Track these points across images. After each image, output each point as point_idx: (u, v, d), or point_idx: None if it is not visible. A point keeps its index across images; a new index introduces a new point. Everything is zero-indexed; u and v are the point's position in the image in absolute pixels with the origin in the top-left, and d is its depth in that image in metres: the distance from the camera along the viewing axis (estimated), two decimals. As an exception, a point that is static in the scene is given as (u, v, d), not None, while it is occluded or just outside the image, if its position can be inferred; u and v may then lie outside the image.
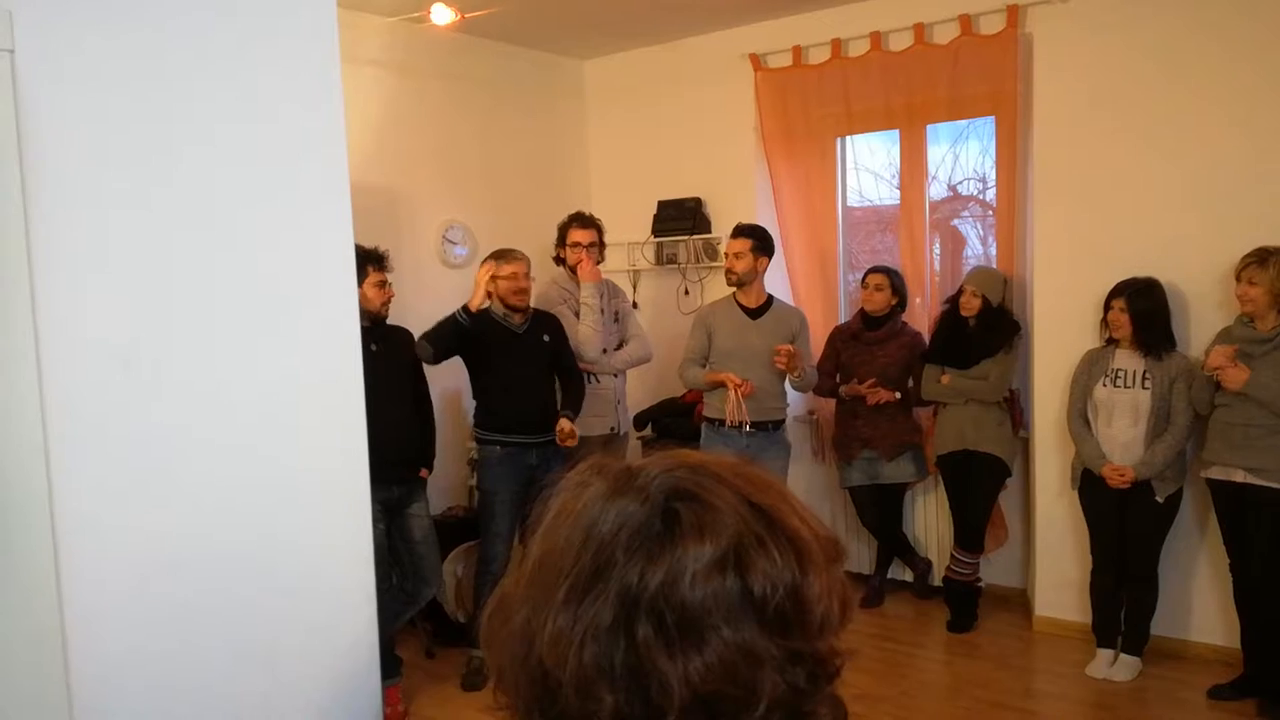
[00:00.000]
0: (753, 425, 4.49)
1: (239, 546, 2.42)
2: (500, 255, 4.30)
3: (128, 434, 2.20)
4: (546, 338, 4.37)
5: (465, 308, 4.10)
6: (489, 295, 4.23)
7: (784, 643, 0.72)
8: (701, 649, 0.70)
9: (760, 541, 0.73)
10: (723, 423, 4.53)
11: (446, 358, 4.22)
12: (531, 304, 4.63)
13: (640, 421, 5.38)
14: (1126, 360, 4.03)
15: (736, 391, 4.34)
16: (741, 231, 4.57)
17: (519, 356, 4.26)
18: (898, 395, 4.77)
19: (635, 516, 0.74)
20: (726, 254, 4.60)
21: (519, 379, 4.22)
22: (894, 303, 4.83)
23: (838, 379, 4.91)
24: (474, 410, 4.37)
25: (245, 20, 2.41)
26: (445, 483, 4.69)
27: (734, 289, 4.62)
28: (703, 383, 4.57)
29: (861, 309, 4.92)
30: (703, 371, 4.57)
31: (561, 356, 4.44)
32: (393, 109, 4.93)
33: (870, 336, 4.84)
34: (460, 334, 4.12)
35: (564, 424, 4.26)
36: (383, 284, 3.97)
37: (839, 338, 4.97)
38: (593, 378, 4.69)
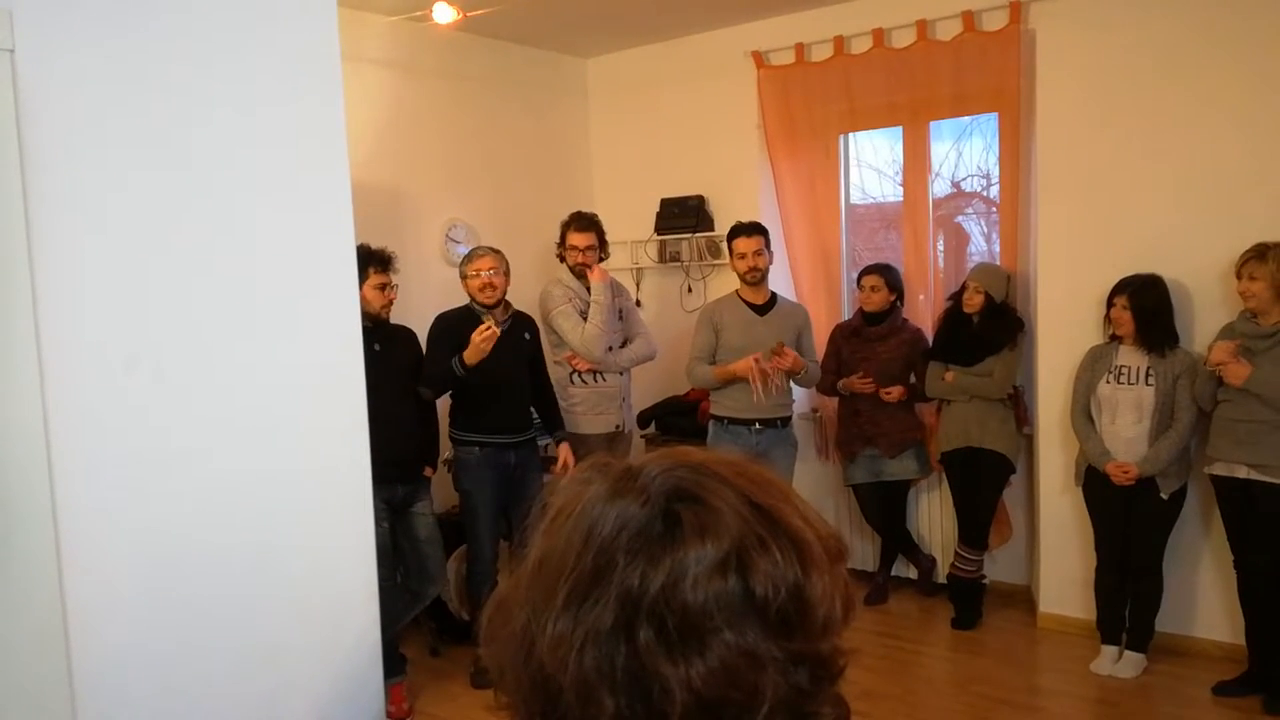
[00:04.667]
0: (761, 422, 4.49)
1: (241, 545, 2.42)
2: (468, 257, 4.32)
3: (129, 433, 2.20)
4: (527, 336, 4.38)
5: (462, 361, 4.02)
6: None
7: (787, 644, 0.71)
8: (703, 653, 0.69)
9: (762, 542, 0.72)
10: (731, 420, 4.53)
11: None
12: (533, 301, 4.65)
13: (644, 419, 5.38)
14: (1130, 357, 4.02)
15: (756, 370, 4.31)
16: (754, 229, 4.54)
17: (502, 355, 4.22)
18: (904, 393, 4.77)
19: (636, 518, 0.73)
20: (745, 253, 4.50)
21: (502, 378, 4.20)
22: (892, 299, 4.82)
23: (839, 376, 4.90)
24: (450, 410, 4.32)
25: (245, 19, 2.41)
26: (449, 482, 4.69)
27: (746, 286, 4.58)
28: (714, 380, 4.55)
29: (861, 307, 4.92)
30: (712, 369, 4.55)
31: (538, 359, 4.45)
32: (395, 108, 4.93)
33: (871, 333, 4.84)
34: (458, 380, 4.11)
35: (564, 452, 4.38)
36: (384, 286, 3.94)
37: (840, 335, 4.97)
38: (598, 376, 4.69)
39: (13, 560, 2.00)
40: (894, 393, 4.73)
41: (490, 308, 4.24)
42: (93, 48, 2.12)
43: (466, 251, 5.10)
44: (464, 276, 4.29)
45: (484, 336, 3.96)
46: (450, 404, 4.33)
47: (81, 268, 2.11)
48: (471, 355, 3.99)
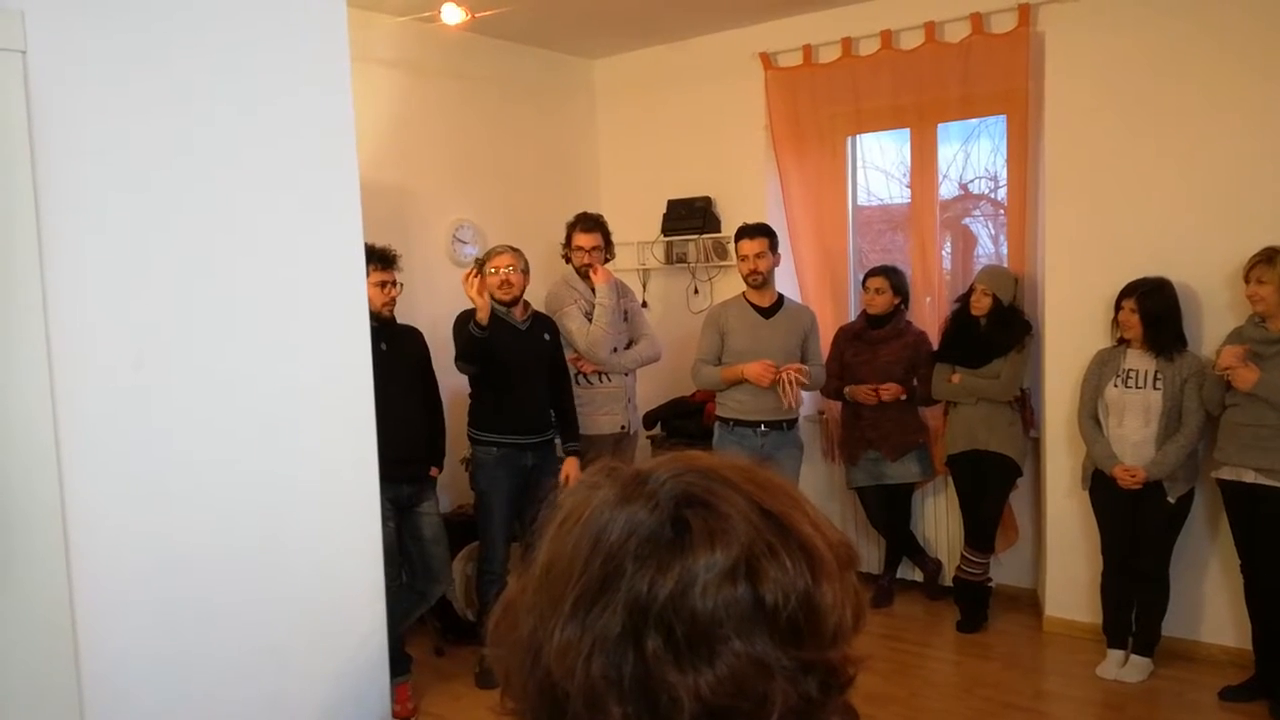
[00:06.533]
0: (767, 425, 4.48)
1: (248, 545, 2.42)
2: (486, 255, 4.30)
3: (138, 434, 2.20)
4: (547, 336, 4.38)
5: (476, 322, 4.01)
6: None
7: (796, 653, 0.71)
8: (712, 661, 0.68)
9: (772, 549, 0.72)
10: (737, 421, 4.52)
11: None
12: (541, 302, 4.64)
13: (650, 421, 5.37)
14: (1137, 360, 4.01)
15: (785, 378, 4.30)
16: (759, 231, 4.52)
17: (522, 353, 4.24)
18: (901, 391, 4.75)
19: (645, 524, 0.72)
20: (746, 256, 4.48)
21: (522, 376, 4.21)
22: (896, 302, 4.81)
23: (842, 379, 4.89)
24: (469, 409, 4.32)
25: (255, 19, 2.42)
26: (455, 481, 4.69)
27: (751, 289, 4.56)
28: (720, 382, 4.52)
29: (865, 309, 4.91)
30: (718, 370, 4.53)
31: (557, 360, 4.43)
32: (403, 108, 4.93)
33: (873, 335, 4.83)
34: (484, 345, 4.07)
35: (570, 466, 4.32)
36: (384, 284, 3.94)
37: (842, 338, 4.95)
38: (603, 376, 4.69)
39: (21, 562, 2.01)
40: (891, 389, 4.71)
41: (508, 305, 4.24)
42: (104, 48, 2.12)
43: (474, 252, 5.13)
44: (483, 275, 4.28)
45: (471, 285, 3.98)
46: (469, 403, 4.33)
47: (93, 267, 2.12)
48: (480, 312, 4.00)
